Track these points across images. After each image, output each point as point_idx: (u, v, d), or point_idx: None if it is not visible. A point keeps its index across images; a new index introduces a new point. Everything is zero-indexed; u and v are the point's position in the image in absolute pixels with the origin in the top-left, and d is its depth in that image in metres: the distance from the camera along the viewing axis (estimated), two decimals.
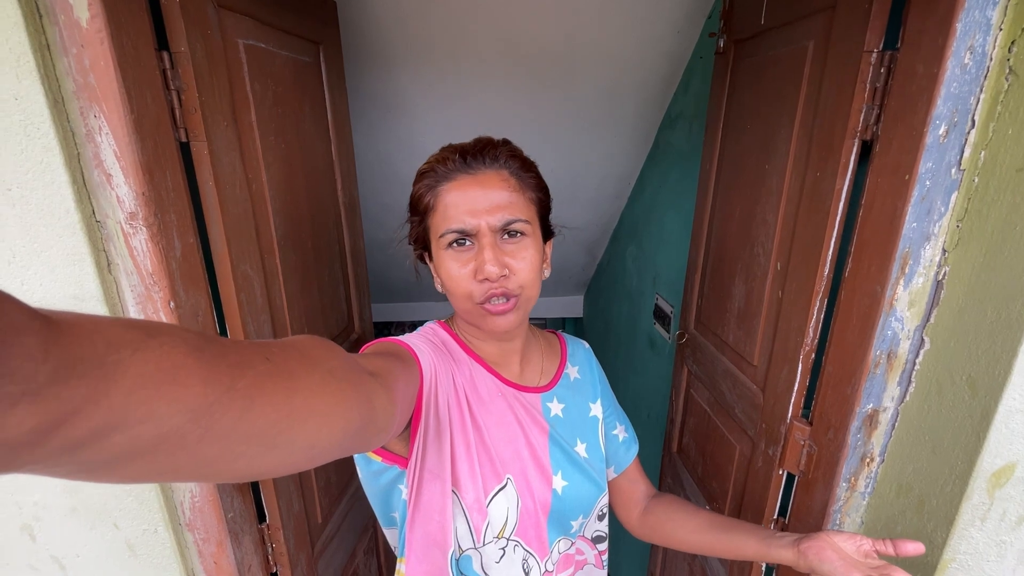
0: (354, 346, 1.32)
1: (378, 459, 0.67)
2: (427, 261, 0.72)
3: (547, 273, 0.72)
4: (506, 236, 0.64)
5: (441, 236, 0.64)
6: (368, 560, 1.47)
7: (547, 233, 0.72)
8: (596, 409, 0.82)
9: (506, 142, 0.68)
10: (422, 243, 0.70)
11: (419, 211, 0.67)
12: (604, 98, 1.81)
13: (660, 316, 2.00)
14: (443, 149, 0.67)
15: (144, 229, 0.67)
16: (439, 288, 0.71)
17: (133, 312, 0.70)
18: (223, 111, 0.79)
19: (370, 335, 1.45)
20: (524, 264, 0.64)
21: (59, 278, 0.66)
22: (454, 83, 1.70)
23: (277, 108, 0.95)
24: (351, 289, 1.33)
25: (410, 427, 0.63)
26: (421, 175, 0.67)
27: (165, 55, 0.70)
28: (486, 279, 0.62)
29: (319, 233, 1.14)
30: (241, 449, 0.30)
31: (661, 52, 1.63)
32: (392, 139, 1.93)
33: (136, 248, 0.67)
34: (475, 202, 0.62)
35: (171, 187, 0.71)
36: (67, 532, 0.79)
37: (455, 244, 0.64)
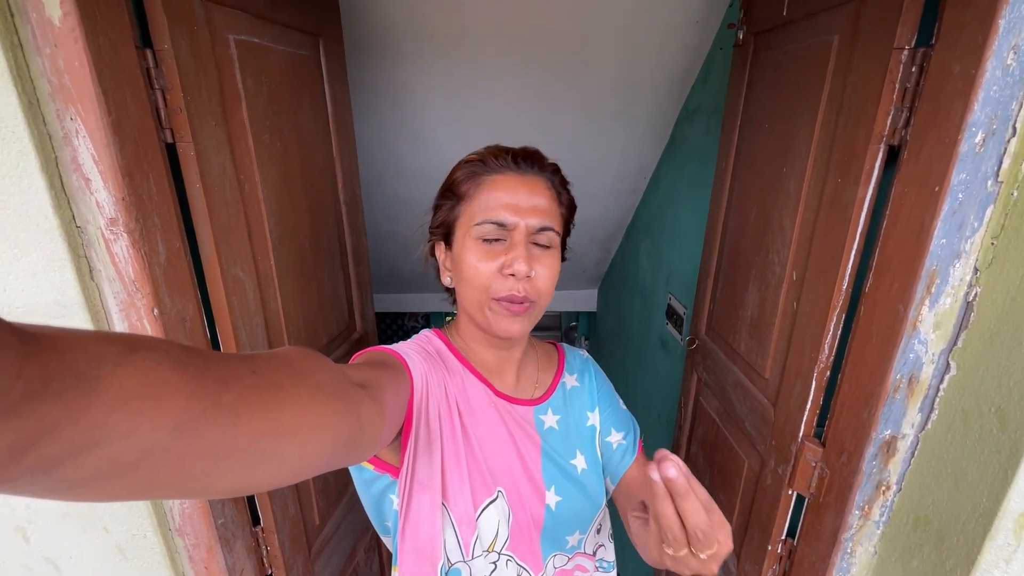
0: (355, 346, 1.31)
1: (370, 467, 0.66)
2: (438, 252, 0.71)
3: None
4: (534, 245, 0.64)
5: (477, 224, 0.63)
6: (369, 559, 1.47)
7: (564, 256, 0.72)
8: (594, 418, 0.78)
9: (548, 159, 0.69)
10: (446, 230, 0.68)
11: (455, 195, 0.66)
12: (619, 90, 1.75)
13: (673, 317, 1.95)
14: (492, 146, 0.67)
15: (125, 235, 0.65)
16: (447, 282, 0.70)
17: (116, 319, 0.68)
18: (211, 110, 0.76)
19: (372, 334, 1.43)
20: (547, 272, 0.64)
21: (40, 284, 0.64)
22: (463, 75, 1.66)
23: (272, 105, 0.92)
24: (352, 288, 1.31)
25: (401, 437, 0.62)
26: (466, 162, 0.66)
27: (148, 53, 0.68)
28: (512, 275, 0.61)
29: (318, 232, 1.11)
30: (227, 464, 0.30)
31: (679, 43, 1.56)
32: (400, 132, 1.89)
33: (117, 254, 0.65)
34: (519, 200, 0.62)
35: (155, 191, 0.69)
36: (59, 535, 0.79)
37: (486, 239, 0.63)
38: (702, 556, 0.43)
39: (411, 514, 0.64)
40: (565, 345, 0.86)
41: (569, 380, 0.80)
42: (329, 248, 1.18)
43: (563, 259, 0.72)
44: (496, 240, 0.63)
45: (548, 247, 0.65)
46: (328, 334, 1.18)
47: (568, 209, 0.69)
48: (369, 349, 0.65)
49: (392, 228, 2.40)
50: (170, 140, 0.72)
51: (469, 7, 1.41)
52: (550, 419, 0.74)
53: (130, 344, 0.25)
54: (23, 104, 0.57)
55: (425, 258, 0.74)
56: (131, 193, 0.64)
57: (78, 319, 0.66)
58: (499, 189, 0.63)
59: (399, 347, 0.66)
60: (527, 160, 0.65)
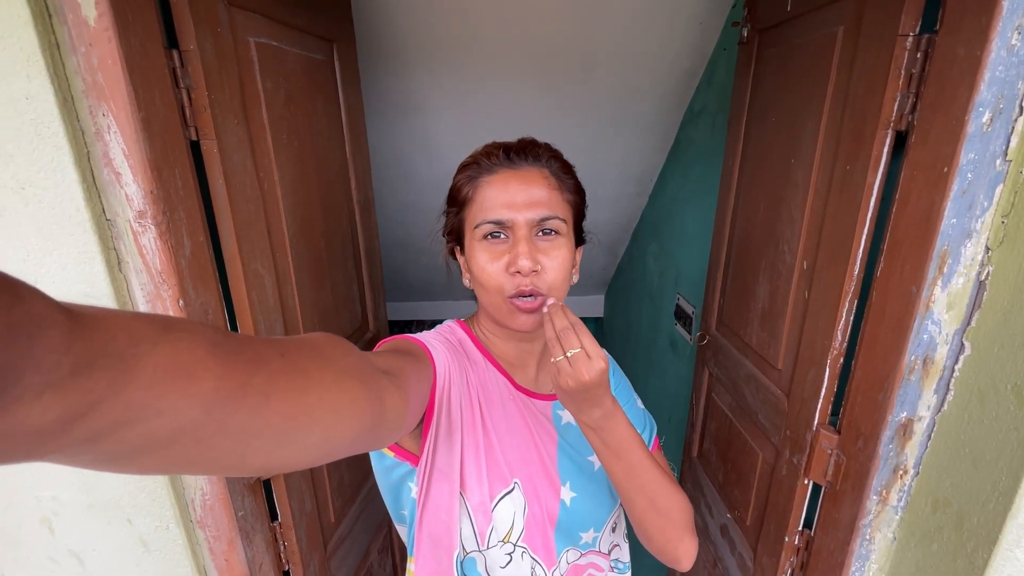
0: (368, 345, 1.32)
1: (391, 454, 0.66)
2: (457, 256, 0.71)
3: (575, 279, 0.70)
4: (540, 234, 0.63)
5: (477, 227, 0.63)
6: (382, 559, 1.47)
7: (579, 239, 0.72)
8: None
9: (548, 145, 0.68)
10: (456, 235, 0.69)
11: (457, 202, 0.67)
12: (624, 93, 1.77)
13: (681, 317, 1.95)
14: (487, 145, 0.68)
15: (153, 227, 0.67)
16: (467, 283, 0.71)
17: (143, 310, 0.70)
18: (233, 109, 0.79)
19: (385, 334, 1.44)
20: (556, 263, 0.63)
21: (71, 276, 0.66)
22: (470, 82, 1.69)
23: (289, 106, 0.95)
24: (365, 288, 1.32)
25: (422, 425, 0.63)
26: (463, 167, 0.67)
27: (175, 53, 0.70)
28: (518, 272, 0.61)
29: (332, 232, 1.14)
30: (255, 444, 0.31)
31: (683, 44, 1.58)
32: (410, 139, 1.93)
33: (145, 246, 0.67)
34: (514, 196, 0.62)
35: (180, 185, 0.71)
36: (84, 527, 0.80)
37: (490, 237, 0.63)
38: (568, 354, 0.54)
39: (429, 502, 0.64)
40: None
41: None
42: (343, 248, 1.20)
43: (583, 242, 0.73)
44: (500, 239, 0.63)
45: (556, 234, 0.64)
46: (342, 332, 1.20)
47: (575, 194, 0.68)
48: (394, 337, 0.66)
49: (402, 235, 2.42)
50: (194, 137, 0.74)
51: (478, 18, 1.45)
52: (568, 415, 0.75)
53: (166, 325, 0.26)
54: (59, 101, 0.60)
55: (446, 262, 0.75)
56: (159, 187, 0.66)
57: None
58: (494, 188, 0.63)
59: (423, 336, 0.67)
60: (520, 153, 0.65)
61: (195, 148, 0.75)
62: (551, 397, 0.75)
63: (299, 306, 0.99)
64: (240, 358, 0.29)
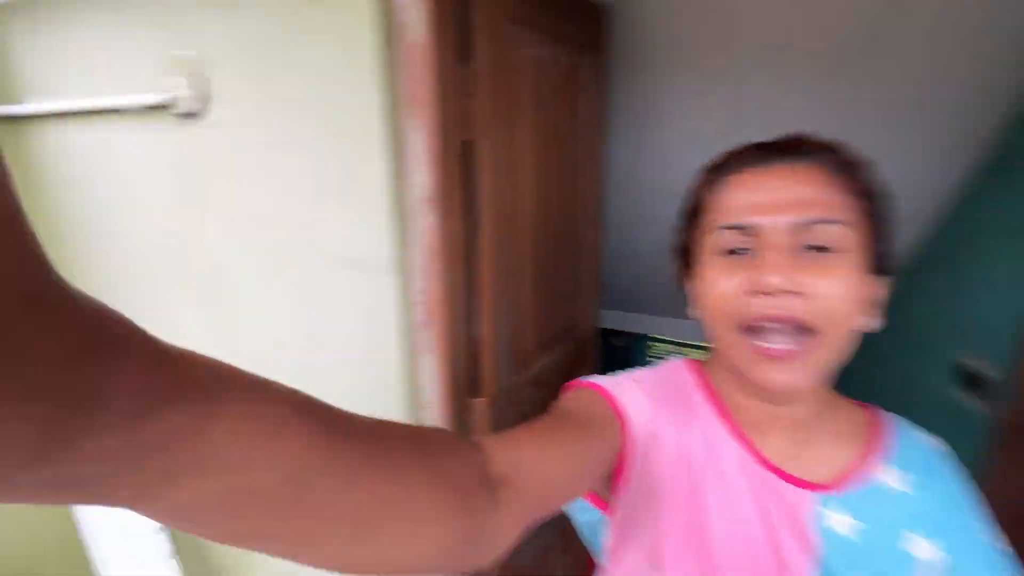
0: (578, 344, 1.35)
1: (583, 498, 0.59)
2: (687, 282, 0.57)
3: (873, 323, 0.49)
4: (808, 250, 0.45)
5: (709, 235, 0.49)
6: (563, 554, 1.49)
7: (882, 266, 0.49)
8: (922, 547, 0.49)
9: (826, 141, 0.49)
10: (685, 256, 0.55)
11: (692, 210, 0.54)
12: (914, 99, 1.44)
13: (969, 378, 1.50)
14: (739, 145, 0.53)
15: (432, 211, 0.80)
16: (696, 315, 0.55)
17: (417, 278, 0.84)
18: (502, 114, 0.90)
19: (591, 340, 1.46)
20: (830, 287, 0.44)
21: (372, 244, 0.84)
22: (713, 82, 1.59)
23: (542, 112, 1.03)
24: (583, 291, 1.36)
25: (613, 480, 0.54)
26: (702, 171, 0.54)
27: (467, 68, 0.83)
28: (762, 292, 0.44)
29: (561, 232, 1.20)
30: (330, 531, 0.28)
31: (1004, 31, 1.21)
32: (642, 144, 1.91)
33: (426, 226, 0.81)
34: (762, 195, 0.46)
35: (456, 179, 0.83)
36: None
37: (728, 252, 0.48)
38: None
39: (618, 567, 0.55)
40: (897, 419, 0.57)
41: (890, 476, 0.52)
42: (568, 249, 1.25)
43: (885, 272, 0.49)
44: (742, 256, 0.47)
45: (833, 252, 0.44)
46: (548, 328, 1.25)
47: (869, 199, 0.47)
48: (581, 384, 0.57)
49: (616, 243, 2.43)
50: (468, 138, 0.86)
51: (737, 21, 1.35)
52: (843, 521, 0.50)
53: (259, 379, 0.25)
54: (383, 108, 0.76)
55: (680, 284, 0.62)
56: (443, 179, 0.79)
57: (391, 275, 0.83)
58: (740, 188, 0.48)
59: (620, 384, 0.57)
60: (782, 148, 0.48)
61: (465, 147, 0.87)
62: (814, 486, 0.50)
63: (530, 291, 1.07)
64: (331, 430, 0.27)
